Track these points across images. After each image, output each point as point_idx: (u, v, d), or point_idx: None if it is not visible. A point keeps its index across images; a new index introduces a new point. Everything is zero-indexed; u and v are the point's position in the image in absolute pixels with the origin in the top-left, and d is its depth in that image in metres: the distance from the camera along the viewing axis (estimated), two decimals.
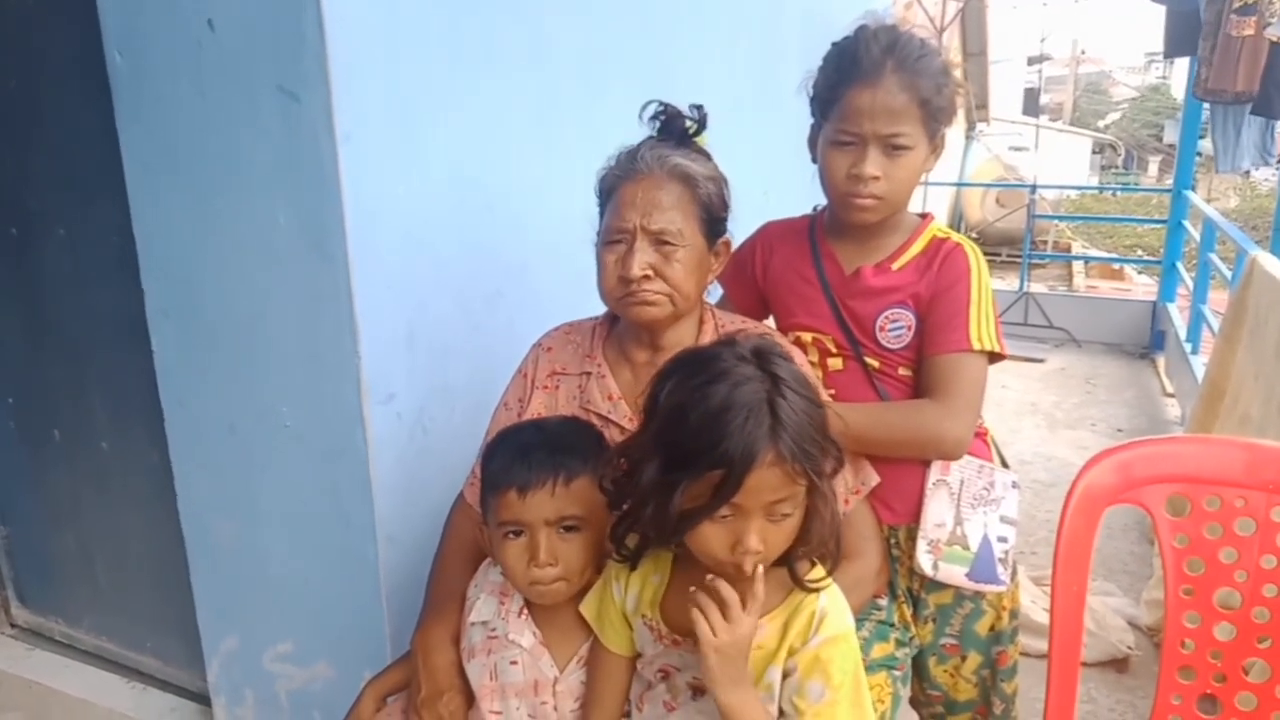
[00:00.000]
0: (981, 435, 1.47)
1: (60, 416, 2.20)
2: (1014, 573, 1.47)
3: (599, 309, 1.44)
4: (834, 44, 1.40)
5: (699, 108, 1.38)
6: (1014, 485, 1.45)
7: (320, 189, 1.48)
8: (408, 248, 1.62)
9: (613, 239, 1.29)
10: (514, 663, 1.22)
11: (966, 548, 1.41)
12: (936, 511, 1.40)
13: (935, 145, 1.39)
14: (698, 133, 1.38)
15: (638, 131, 1.37)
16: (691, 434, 0.97)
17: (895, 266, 1.43)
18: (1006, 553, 1.43)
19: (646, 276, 1.26)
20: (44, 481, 2.29)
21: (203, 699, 2.09)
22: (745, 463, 0.94)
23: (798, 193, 1.63)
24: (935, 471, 1.40)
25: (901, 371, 1.43)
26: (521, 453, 1.17)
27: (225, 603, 1.90)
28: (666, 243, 1.27)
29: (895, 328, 1.41)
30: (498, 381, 1.49)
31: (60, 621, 2.41)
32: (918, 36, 1.36)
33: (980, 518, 1.41)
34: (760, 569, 0.99)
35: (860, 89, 1.33)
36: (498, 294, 1.87)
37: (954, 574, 1.41)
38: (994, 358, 1.40)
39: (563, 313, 1.51)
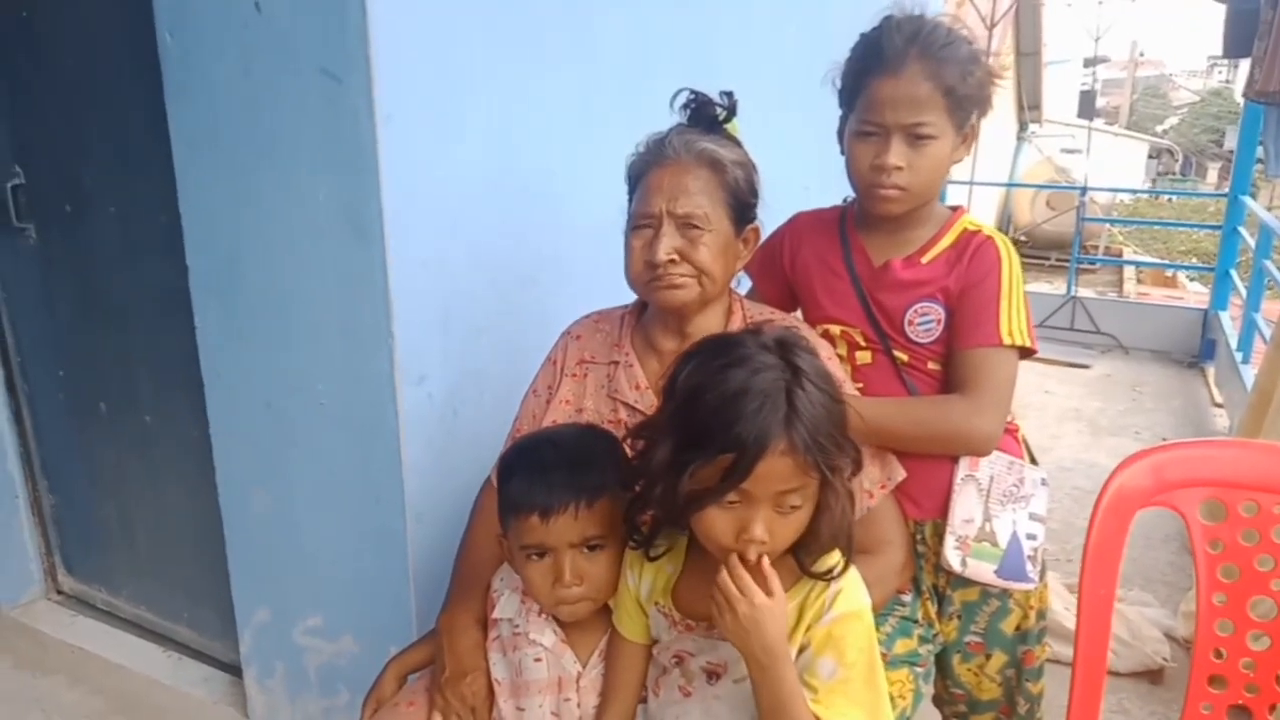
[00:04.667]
0: (1012, 431, 1.45)
1: (108, 389, 2.26)
2: (1043, 571, 1.45)
3: (631, 299, 1.44)
4: (861, 35, 1.38)
5: (729, 94, 1.37)
6: (1043, 482, 1.43)
7: (359, 170, 1.50)
8: (445, 230, 1.64)
9: (640, 224, 1.29)
10: (537, 660, 1.22)
11: (995, 544, 1.39)
12: (965, 507, 1.39)
13: (965, 135, 1.37)
14: (727, 119, 1.37)
15: (677, 119, 1.37)
16: (706, 416, 0.96)
17: (925, 260, 1.41)
18: (1036, 550, 1.40)
19: (672, 260, 1.26)
20: (90, 453, 2.36)
21: (235, 670, 2.14)
22: (757, 449, 0.93)
23: (842, 187, 1.62)
24: (964, 467, 1.39)
25: (930, 366, 1.41)
26: (540, 474, 1.14)
27: (259, 575, 1.94)
28: (693, 227, 1.26)
29: (924, 321, 1.40)
30: (529, 366, 1.50)
31: (103, 590, 2.48)
32: (944, 25, 1.34)
33: (1009, 515, 1.39)
34: (767, 562, 0.98)
35: (883, 79, 1.31)
36: (532, 280, 1.88)
37: (982, 571, 1.39)
38: (1025, 353, 1.38)
39: (598, 301, 1.51)
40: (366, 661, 1.79)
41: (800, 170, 2.24)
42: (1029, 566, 1.40)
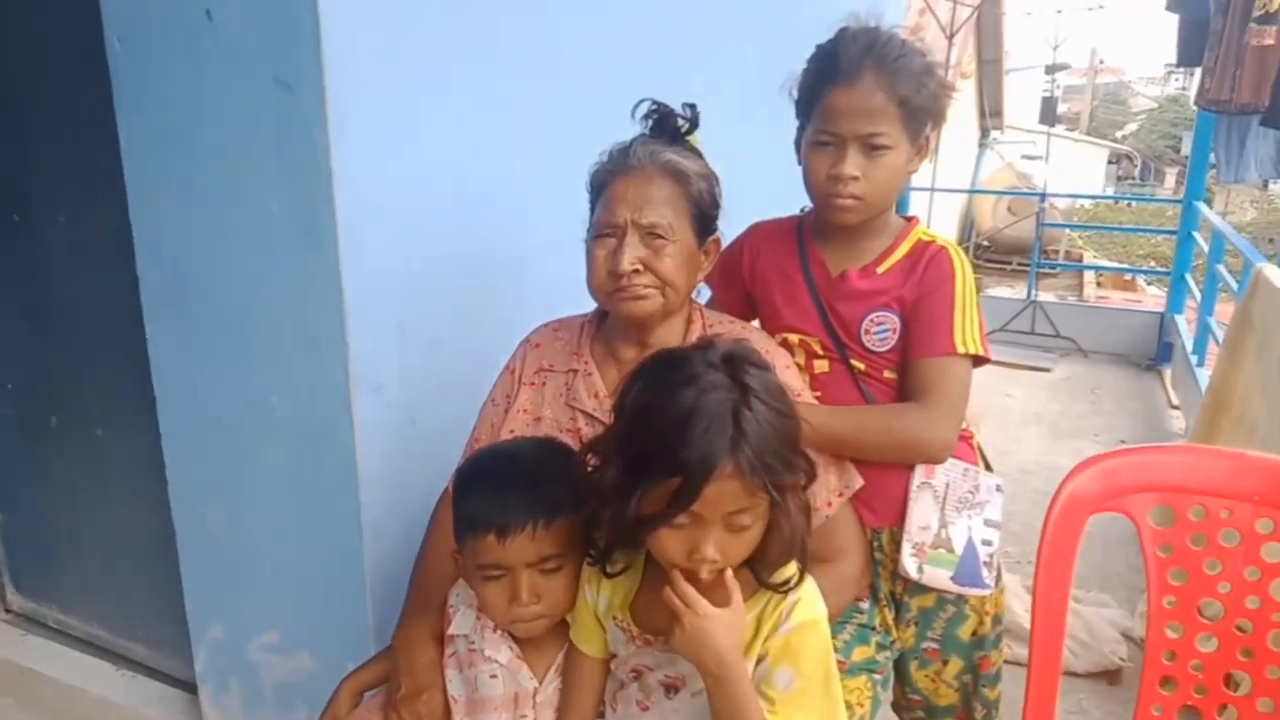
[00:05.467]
0: (967, 439, 1.46)
1: (58, 403, 2.22)
2: (998, 577, 1.47)
3: (592, 308, 1.44)
4: (818, 46, 1.39)
5: (691, 106, 1.38)
6: (998, 489, 1.44)
7: (312, 179, 1.48)
8: (401, 238, 1.62)
9: (603, 233, 1.29)
10: (493, 677, 1.21)
11: (951, 551, 1.40)
12: (921, 514, 1.39)
13: (920, 146, 1.38)
14: (689, 131, 1.37)
15: (640, 129, 1.37)
16: (653, 439, 0.96)
17: (881, 270, 1.42)
18: (991, 556, 1.42)
19: (636, 271, 1.26)
20: (40, 468, 2.31)
21: (190, 687, 2.10)
22: (703, 473, 0.93)
23: (802, 197, 1.63)
24: (919, 474, 1.40)
25: (887, 374, 1.42)
26: (498, 491, 1.13)
27: (213, 591, 1.90)
28: (657, 237, 1.26)
29: (880, 330, 1.41)
30: (489, 376, 1.48)
31: (54, 608, 2.42)
32: (899, 37, 1.35)
33: (965, 521, 1.40)
34: (730, 574, 0.98)
35: (838, 89, 1.33)
36: (492, 288, 1.87)
37: (939, 577, 1.40)
38: (978, 361, 1.40)
39: (558, 309, 1.50)
40: (324, 678, 1.75)
41: (761, 180, 2.24)
42: (985, 572, 1.41)
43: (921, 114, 1.35)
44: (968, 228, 11.70)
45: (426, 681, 1.26)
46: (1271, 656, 1.28)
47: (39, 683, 2.26)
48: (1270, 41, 3.49)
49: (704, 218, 1.33)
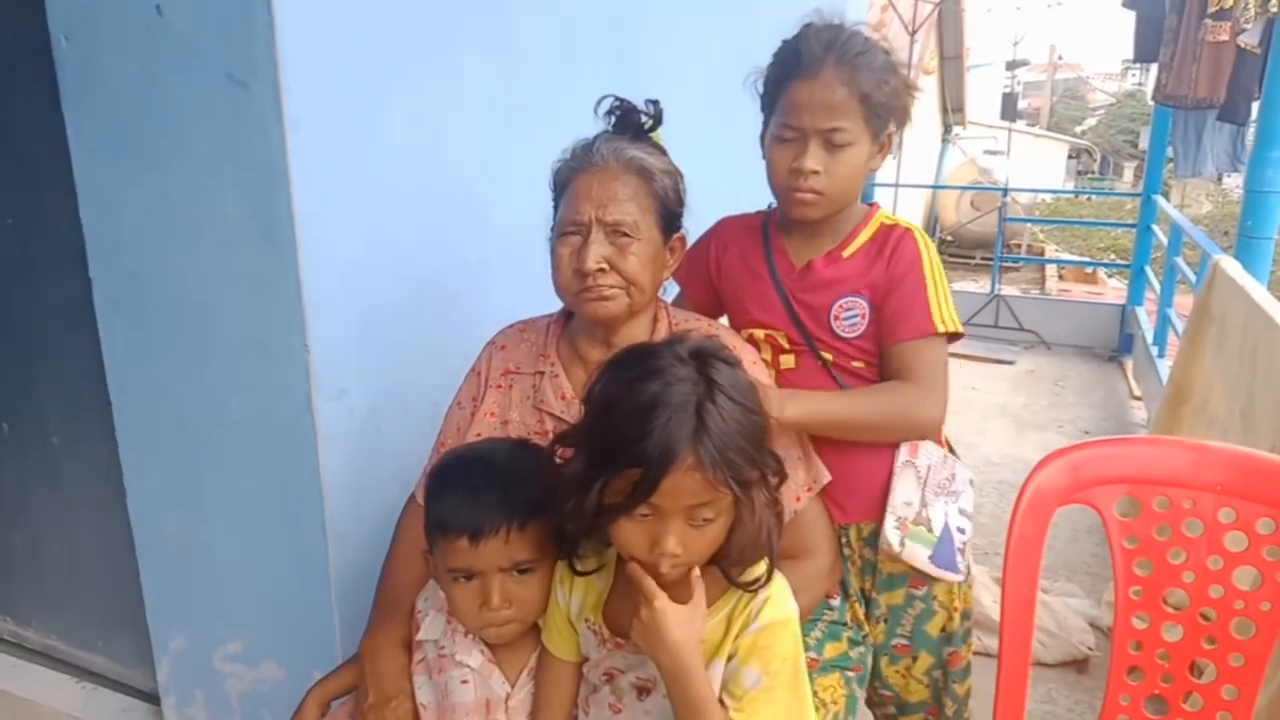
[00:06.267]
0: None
1: (10, 409, 2.15)
2: (969, 569, 1.47)
3: (557, 309, 1.42)
4: (783, 41, 1.39)
5: (655, 102, 1.37)
6: (970, 482, 1.45)
7: (269, 178, 1.45)
8: (362, 240, 1.60)
9: (567, 231, 1.27)
10: (464, 682, 1.19)
11: (930, 531, 1.40)
12: (904, 490, 1.40)
13: (882, 144, 1.39)
14: (653, 128, 1.36)
15: (601, 127, 1.35)
16: (615, 429, 0.96)
17: (846, 254, 1.43)
18: (965, 544, 1.43)
19: (602, 270, 1.24)
20: None
21: (154, 699, 2.06)
22: (663, 464, 0.92)
23: (767, 194, 1.63)
24: (904, 453, 1.40)
25: (855, 364, 1.42)
26: (470, 494, 1.11)
27: (175, 601, 1.86)
28: (623, 234, 1.25)
29: (850, 316, 1.41)
30: (453, 378, 1.46)
31: (8, 620, 2.36)
32: (861, 33, 1.36)
33: (943, 506, 1.40)
34: (696, 571, 0.97)
35: (800, 84, 1.33)
36: (457, 292, 1.84)
37: (918, 554, 1.40)
38: (952, 337, 1.42)
39: (523, 310, 1.49)
40: (290, 687, 1.73)
41: (726, 177, 2.24)
42: (959, 558, 1.42)
43: (883, 111, 1.35)
44: (932, 223, 11.81)
45: (395, 689, 1.24)
46: (1235, 644, 1.29)
47: None
48: (1225, 38, 3.55)
49: (669, 215, 1.32)
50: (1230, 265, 2.95)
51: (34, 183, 1.90)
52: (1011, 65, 21.20)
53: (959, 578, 1.43)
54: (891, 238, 1.42)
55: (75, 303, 1.84)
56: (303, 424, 1.55)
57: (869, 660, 1.49)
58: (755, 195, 1.57)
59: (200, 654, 1.84)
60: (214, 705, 1.87)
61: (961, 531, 1.42)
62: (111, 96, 1.57)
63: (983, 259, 9.84)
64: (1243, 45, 3.60)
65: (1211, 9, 3.54)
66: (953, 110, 13.09)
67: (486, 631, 1.16)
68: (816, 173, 1.34)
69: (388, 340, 1.68)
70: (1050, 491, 1.34)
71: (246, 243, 1.51)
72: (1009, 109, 19.02)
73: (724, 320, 1.55)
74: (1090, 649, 2.53)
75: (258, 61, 1.41)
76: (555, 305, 1.43)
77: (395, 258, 1.67)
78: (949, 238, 11.26)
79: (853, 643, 1.45)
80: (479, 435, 1.36)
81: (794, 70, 1.34)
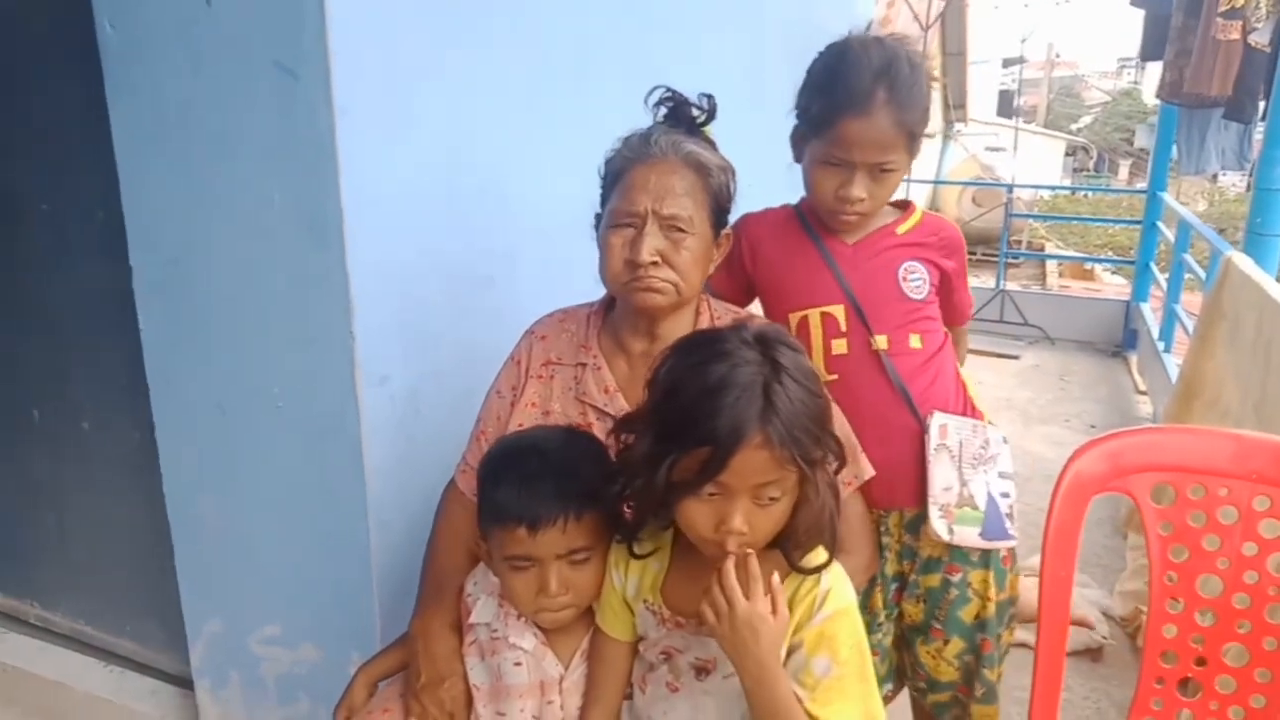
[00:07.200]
0: (963, 388, 1.53)
1: (41, 396, 2.17)
2: (1013, 557, 1.50)
3: (585, 298, 1.44)
4: (823, 54, 1.42)
5: (709, 97, 1.37)
6: (1004, 440, 1.48)
7: (317, 167, 1.47)
8: (401, 228, 1.61)
9: (621, 222, 1.27)
10: (518, 664, 1.21)
11: (975, 508, 1.43)
12: (942, 476, 1.42)
13: (914, 154, 1.45)
14: (705, 123, 1.37)
15: (629, 120, 1.35)
16: (684, 408, 0.98)
17: (900, 230, 1.51)
18: (1011, 508, 1.45)
19: (655, 263, 1.25)
20: (21, 462, 2.26)
21: (183, 682, 2.08)
22: (732, 441, 0.94)
23: (778, 188, 1.65)
24: (935, 437, 1.42)
25: (913, 342, 1.46)
26: (527, 484, 1.13)
27: (210, 584, 1.88)
28: (677, 229, 1.26)
29: (915, 278, 1.48)
30: (488, 366, 1.47)
31: (35, 604, 2.37)
32: (905, 55, 1.38)
33: (982, 477, 1.43)
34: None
35: (852, 119, 1.36)
36: (488, 280, 1.86)
37: (968, 535, 1.42)
38: None
39: (550, 300, 1.49)
40: (327, 669, 1.76)
41: (742, 170, 2.27)
42: (1007, 524, 1.44)
43: (920, 133, 1.42)
44: None
45: (447, 670, 1.26)
46: (1268, 628, 1.32)
47: (22, 680, 2.21)
48: (1235, 36, 3.57)
49: (720, 211, 1.33)
50: (1242, 261, 2.98)
51: (68, 169, 1.92)
52: (1010, 62, 21.25)
53: (1013, 542, 1.45)
54: (938, 223, 1.52)
55: (109, 289, 1.86)
56: (347, 410, 1.57)
57: (886, 643, 1.55)
58: (767, 190, 1.61)
59: (236, 637, 1.86)
60: (249, 687, 1.89)
61: (1005, 496, 1.45)
62: (156, 84, 1.58)
63: (984, 254, 9.85)
64: (1254, 44, 3.63)
65: (1223, 7, 3.56)
66: (955, 107, 13.11)
67: (542, 616, 1.18)
68: (861, 199, 1.41)
69: (424, 327, 1.70)
70: (1089, 478, 1.37)
71: (292, 231, 1.53)
72: (1006, 106, 19.08)
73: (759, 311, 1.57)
74: (1105, 638, 2.57)
75: (308, 50, 1.42)
76: (583, 294, 1.45)
77: (429, 248, 1.69)
78: None
79: (867, 628, 1.49)
80: (520, 425, 1.36)
81: (846, 103, 1.36)
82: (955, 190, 11.35)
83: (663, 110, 1.35)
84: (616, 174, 1.30)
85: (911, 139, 1.40)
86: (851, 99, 1.35)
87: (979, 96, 16.12)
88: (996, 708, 1.54)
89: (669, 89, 1.35)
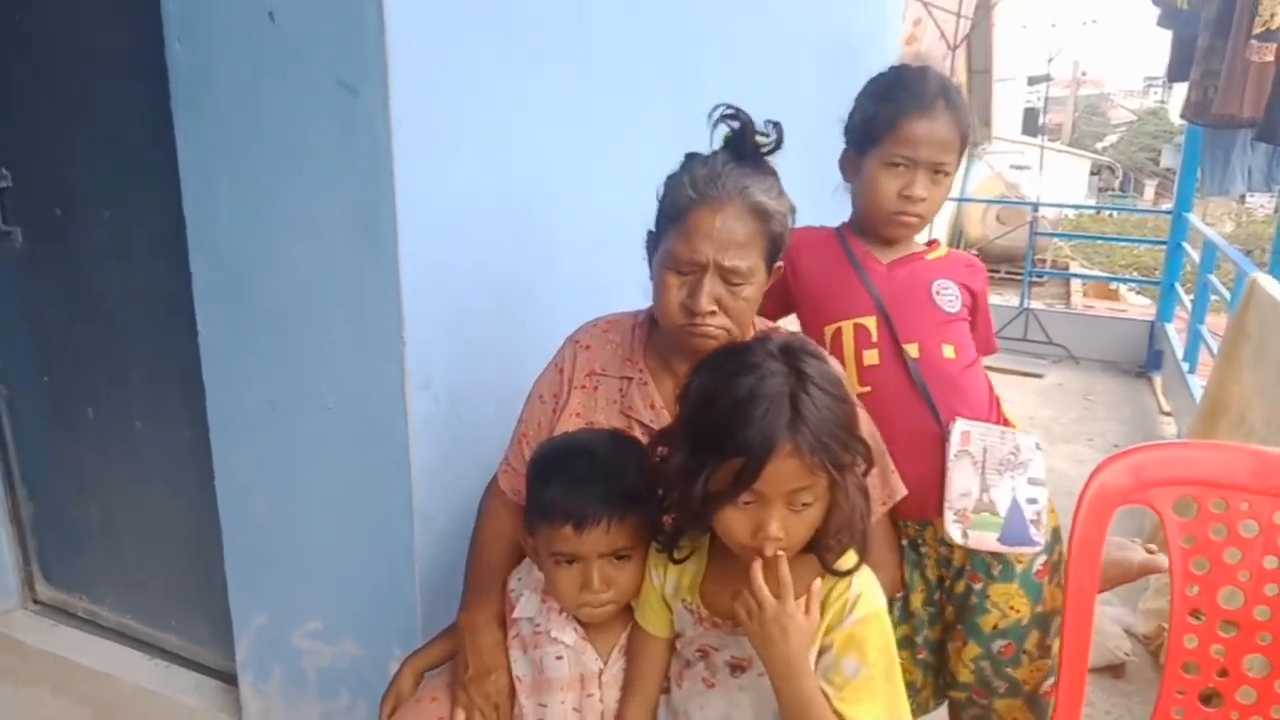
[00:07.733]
0: (996, 403, 1.58)
1: (95, 394, 2.25)
2: (1054, 540, 1.54)
3: (622, 308, 1.48)
4: (875, 79, 1.55)
5: (776, 124, 1.32)
6: (1037, 446, 1.51)
7: (374, 180, 1.54)
8: (450, 238, 1.68)
9: (682, 269, 1.27)
10: (559, 658, 1.27)
11: (995, 514, 1.46)
12: (961, 482, 1.46)
13: (959, 166, 1.56)
14: (771, 151, 1.32)
15: (671, 135, 1.39)
16: (717, 421, 1.03)
17: (929, 258, 1.60)
18: (1038, 514, 1.47)
19: (713, 312, 1.26)
20: (74, 459, 2.34)
21: (226, 677, 2.14)
22: (764, 451, 1.00)
23: (806, 205, 1.71)
24: (956, 444, 1.46)
25: (946, 352, 1.52)
26: (575, 484, 1.18)
27: (258, 579, 1.95)
28: (736, 278, 1.26)
29: (948, 293, 1.56)
30: (526, 375, 1.51)
31: (84, 598, 2.45)
32: (953, 83, 1.53)
33: (1008, 483, 1.46)
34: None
35: (917, 118, 1.48)
36: (529, 288, 1.92)
37: (985, 540, 1.46)
38: None
39: (587, 310, 1.53)
40: (368, 664, 1.82)
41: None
42: (1032, 530, 1.47)
43: (968, 145, 1.53)
44: (956, 236, 11.84)
45: (494, 662, 1.32)
46: None
47: (71, 671, 2.29)
48: (1270, 58, 3.57)
49: (777, 253, 1.32)
50: (1268, 282, 3.00)
51: (132, 178, 2.00)
52: (1035, 80, 21.19)
53: (1036, 548, 1.48)
54: (964, 259, 1.63)
55: (165, 293, 1.94)
56: (395, 413, 1.63)
57: (931, 639, 1.62)
58: (804, 208, 1.66)
59: (280, 631, 1.93)
60: (290, 681, 1.95)
61: (1033, 502, 1.47)
62: (220, 99, 1.66)
63: (1008, 273, 9.85)
64: None
65: (1258, 30, 3.58)
66: (980, 124, 13.09)
67: (583, 611, 1.24)
68: (923, 199, 1.50)
69: (469, 335, 1.76)
70: (1113, 491, 1.41)
71: (348, 241, 1.60)
72: (1031, 124, 19.03)
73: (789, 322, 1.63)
74: (1127, 654, 2.58)
75: (368, 67, 1.49)
76: (619, 303, 1.50)
77: (476, 259, 1.75)
78: (975, 251, 11.28)
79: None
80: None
81: (909, 105, 1.48)
82: (980, 208, 11.34)
83: (723, 129, 1.31)
84: (680, 211, 1.28)
85: (963, 146, 1.51)
86: (917, 100, 1.48)
87: (1004, 114, 16.10)
88: (1021, 702, 1.56)
89: (734, 108, 1.31)
